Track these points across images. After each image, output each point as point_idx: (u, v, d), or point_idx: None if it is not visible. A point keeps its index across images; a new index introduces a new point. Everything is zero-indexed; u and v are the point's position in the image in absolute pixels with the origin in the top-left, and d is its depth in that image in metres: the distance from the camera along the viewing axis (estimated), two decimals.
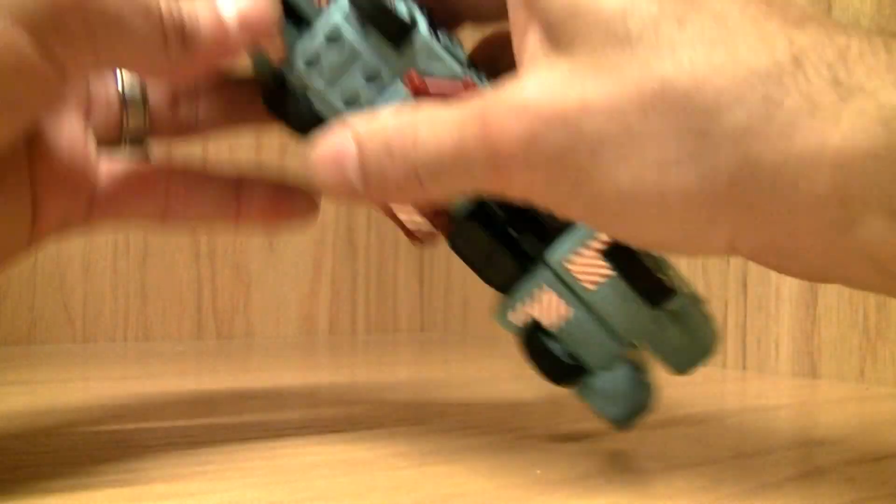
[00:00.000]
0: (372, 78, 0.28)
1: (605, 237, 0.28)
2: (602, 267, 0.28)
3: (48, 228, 0.28)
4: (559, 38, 0.23)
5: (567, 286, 0.28)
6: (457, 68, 0.27)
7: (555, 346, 0.29)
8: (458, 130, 0.24)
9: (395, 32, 0.27)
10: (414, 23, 0.27)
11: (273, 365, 0.53)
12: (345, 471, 0.26)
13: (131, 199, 0.30)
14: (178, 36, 0.25)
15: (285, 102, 0.29)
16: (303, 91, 0.28)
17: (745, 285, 0.51)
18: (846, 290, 0.46)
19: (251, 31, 0.27)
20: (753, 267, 0.50)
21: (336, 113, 0.28)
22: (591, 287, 0.28)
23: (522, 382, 0.45)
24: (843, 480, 0.26)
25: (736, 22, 0.22)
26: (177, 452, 0.28)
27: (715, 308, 0.52)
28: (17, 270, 0.58)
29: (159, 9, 0.25)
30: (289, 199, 0.32)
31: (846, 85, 0.20)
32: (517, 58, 0.26)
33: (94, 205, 0.29)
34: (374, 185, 0.26)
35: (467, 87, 0.27)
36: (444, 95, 0.27)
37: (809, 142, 0.20)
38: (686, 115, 0.21)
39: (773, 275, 0.49)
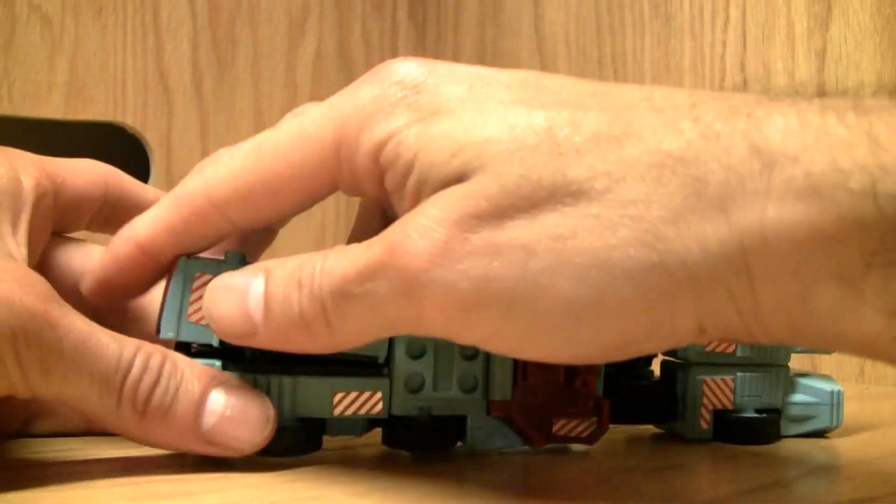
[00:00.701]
0: None
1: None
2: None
3: None
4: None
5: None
6: None
7: None
8: (364, 250, 0.23)
9: None
10: None
11: None
12: (345, 471, 0.26)
13: (63, 416, 0.29)
14: (136, 409, 0.24)
15: None
16: None
17: None
18: None
19: (222, 450, 0.25)
20: None
21: None
22: None
23: None
24: (842, 480, 0.26)
25: (635, 115, 0.21)
26: (177, 452, 0.28)
27: None
28: None
29: (121, 382, 0.23)
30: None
31: (766, 152, 0.19)
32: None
33: (25, 426, 0.29)
34: (276, 320, 0.24)
35: None
36: None
37: (749, 218, 0.19)
38: (621, 206, 0.20)
39: None
